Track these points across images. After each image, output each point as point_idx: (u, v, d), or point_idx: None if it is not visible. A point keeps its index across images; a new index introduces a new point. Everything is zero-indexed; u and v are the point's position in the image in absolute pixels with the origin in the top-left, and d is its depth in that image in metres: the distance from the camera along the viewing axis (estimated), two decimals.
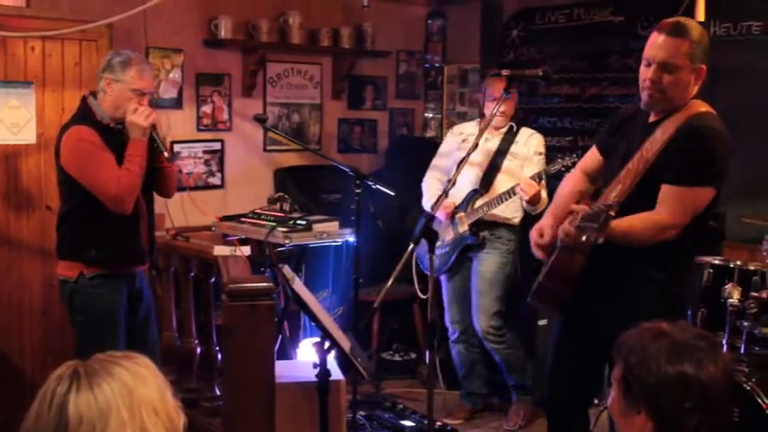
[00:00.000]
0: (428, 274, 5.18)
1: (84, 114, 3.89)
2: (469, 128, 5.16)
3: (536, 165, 4.90)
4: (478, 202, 4.93)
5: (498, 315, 4.96)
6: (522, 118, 5.30)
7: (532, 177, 4.74)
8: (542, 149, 4.97)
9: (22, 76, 5.05)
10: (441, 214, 5.01)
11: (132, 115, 3.79)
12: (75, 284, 3.88)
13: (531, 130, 5.04)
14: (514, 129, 4.99)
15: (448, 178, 3.87)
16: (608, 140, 3.48)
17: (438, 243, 5.11)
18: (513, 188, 4.76)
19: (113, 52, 4.00)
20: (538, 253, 3.44)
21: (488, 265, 4.96)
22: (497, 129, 4.99)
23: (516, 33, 6.54)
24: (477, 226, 4.95)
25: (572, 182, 3.61)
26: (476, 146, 3.77)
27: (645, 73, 3.18)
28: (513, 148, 4.95)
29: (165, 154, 3.88)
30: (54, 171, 5.09)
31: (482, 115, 5.16)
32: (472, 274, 5.03)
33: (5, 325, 5.08)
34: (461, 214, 4.99)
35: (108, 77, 3.85)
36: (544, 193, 4.77)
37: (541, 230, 3.42)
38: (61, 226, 3.95)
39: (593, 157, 3.57)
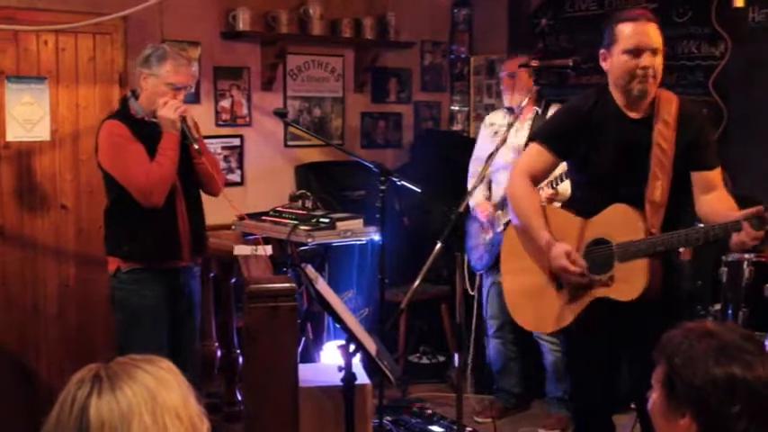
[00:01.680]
0: (477, 271, 5.22)
1: (121, 110, 4.02)
2: (498, 118, 5.15)
3: None
4: None
5: None
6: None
7: (552, 182, 4.64)
8: None
9: (35, 71, 5.09)
10: (481, 216, 5.01)
11: (161, 110, 3.88)
12: (116, 279, 3.99)
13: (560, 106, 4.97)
14: (539, 113, 4.93)
15: (478, 175, 3.84)
16: (564, 141, 3.49)
17: (479, 241, 5.11)
18: (551, 181, 4.72)
19: (151, 46, 4.06)
20: (579, 280, 3.38)
21: None
22: (520, 118, 4.95)
23: (545, 22, 6.51)
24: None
25: (532, 193, 3.57)
26: (504, 140, 3.77)
27: (636, 62, 3.30)
28: None
29: (195, 146, 3.92)
30: (69, 168, 5.17)
31: (509, 108, 5.11)
32: None
33: (20, 328, 5.12)
34: (499, 212, 4.97)
35: (144, 72, 3.94)
36: (565, 188, 4.71)
37: (571, 257, 3.37)
38: (106, 221, 4.06)
39: (542, 159, 3.53)
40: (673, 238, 3.20)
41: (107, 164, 3.90)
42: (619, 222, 3.33)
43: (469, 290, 5.30)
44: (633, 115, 3.39)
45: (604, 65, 3.41)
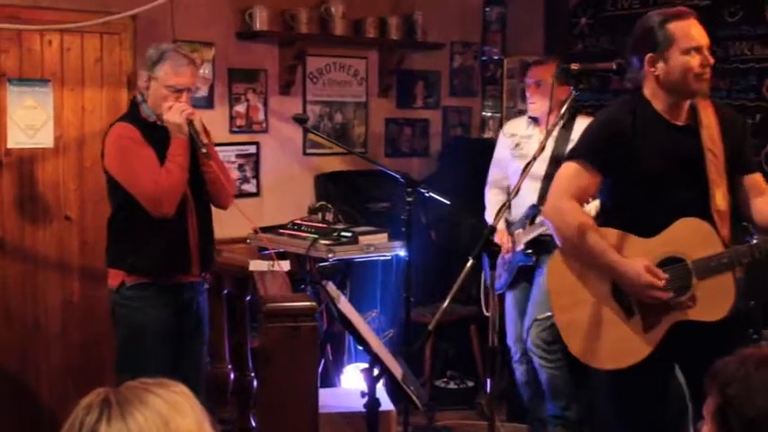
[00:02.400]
0: (495, 291, 5.20)
1: (130, 112, 4.04)
2: (520, 127, 5.12)
3: None
4: (538, 219, 4.88)
5: (553, 328, 4.91)
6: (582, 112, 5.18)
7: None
8: None
9: (39, 73, 5.12)
10: (506, 251, 4.99)
11: (167, 114, 3.89)
12: (118, 294, 3.98)
13: (588, 118, 4.93)
14: (562, 124, 4.87)
15: (513, 188, 3.83)
16: (607, 156, 3.43)
17: (498, 261, 5.10)
18: None
19: (152, 47, 4.06)
20: (661, 296, 3.34)
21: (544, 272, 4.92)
22: (543, 128, 4.94)
23: (585, 21, 6.49)
24: (535, 245, 4.90)
25: (583, 216, 3.49)
26: (542, 148, 3.75)
27: (699, 60, 3.33)
28: (569, 148, 4.88)
29: (203, 150, 3.90)
30: (73, 177, 5.19)
31: (534, 117, 5.09)
32: (533, 287, 5.00)
33: (20, 347, 5.13)
34: (519, 231, 4.96)
35: (145, 75, 3.97)
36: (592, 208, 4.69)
37: (652, 270, 3.33)
38: (108, 231, 4.06)
39: (584, 177, 3.45)
40: (753, 249, 3.18)
41: (114, 168, 3.90)
42: (691, 237, 3.29)
43: (484, 310, 5.28)
44: (677, 122, 3.39)
45: (652, 70, 3.39)
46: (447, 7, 6.90)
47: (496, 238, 4.99)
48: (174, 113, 3.86)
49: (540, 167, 4.85)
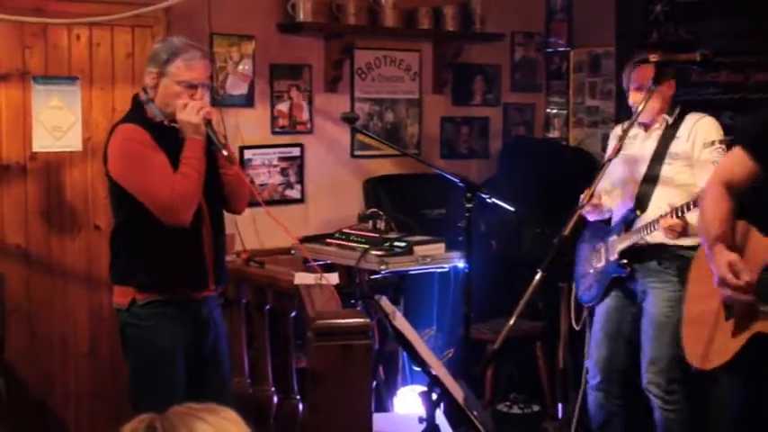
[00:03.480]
0: (585, 303, 5.16)
1: (135, 112, 3.95)
2: (633, 127, 5.03)
3: (707, 164, 4.72)
4: (635, 225, 4.82)
5: (670, 367, 4.79)
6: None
7: (677, 210, 4.56)
8: (713, 136, 4.73)
9: (66, 71, 5.17)
10: (589, 214, 4.92)
11: (182, 112, 3.81)
12: (128, 313, 3.91)
13: (699, 115, 4.82)
14: (670, 122, 4.83)
15: (594, 186, 3.79)
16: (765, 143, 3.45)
17: (589, 269, 5.05)
18: (676, 209, 4.64)
19: (158, 41, 4.05)
20: (736, 295, 3.35)
21: (657, 303, 4.79)
22: (649, 128, 4.88)
23: (661, 8, 6.43)
24: (631, 254, 4.83)
25: (720, 201, 3.59)
26: (617, 150, 3.73)
27: None
28: (674, 147, 4.81)
29: (224, 153, 3.87)
30: (103, 184, 5.22)
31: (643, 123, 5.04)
32: (643, 314, 4.89)
33: (46, 366, 5.19)
34: (613, 238, 4.90)
35: (153, 71, 3.88)
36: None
37: (735, 267, 3.33)
38: (112, 244, 3.99)
39: (742, 166, 3.51)
40: None
41: (121, 176, 3.83)
42: None
43: (575, 324, 5.24)
44: None
45: None
46: None
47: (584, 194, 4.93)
48: (190, 112, 3.80)
49: (640, 168, 4.82)
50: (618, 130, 5.08)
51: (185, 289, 3.94)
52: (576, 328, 5.23)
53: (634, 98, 4.81)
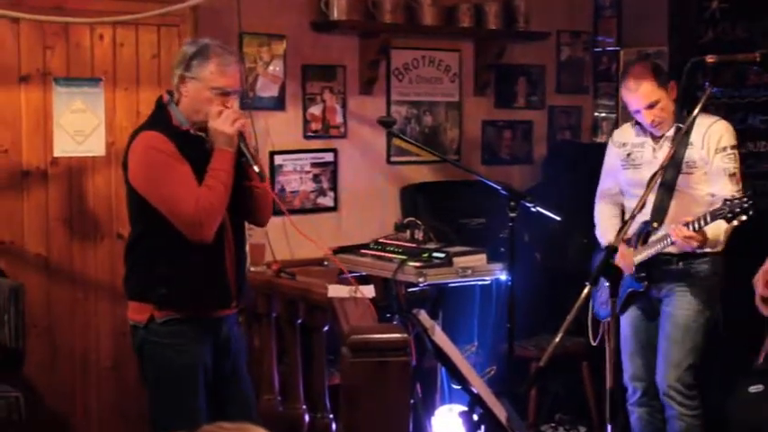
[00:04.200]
0: (601, 318, 5.16)
1: (159, 118, 3.94)
2: (629, 135, 5.03)
3: (719, 171, 4.73)
4: (653, 237, 4.83)
5: (691, 370, 4.85)
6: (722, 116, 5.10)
7: (694, 223, 4.55)
8: (725, 141, 4.76)
9: (89, 72, 5.22)
10: (625, 269, 4.93)
11: (215, 121, 3.80)
12: (146, 331, 3.91)
13: (709, 119, 4.82)
14: (683, 129, 4.79)
15: (638, 201, 3.78)
16: None
17: (604, 284, 5.03)
18: (693, 221, 4.63)
19: (188, 42, 4.06)
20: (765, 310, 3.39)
21: (683, 306, 4.85)
22: (657, 138, 4.89)
23: (717, 5, 6.42)
24: (646, 268, 4.84)
25: None
26: (671, 157, 3.74)
27: None
28: (689, 155, 4.82)
29: (256, 169, 3.87)
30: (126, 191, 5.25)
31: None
32: (662, 318, 4.94)
33: (68, 382, 5.22)
34: (631, 249, 4.90)
35: (182, 74, 3.87)
36: (715, 232, 4.61)
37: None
38: (129, 257, 4.01)
39: None
40: None
41: (143, 186, 3.83)
42: None
43: (591, 340, 5.24)
44: None
45: None
46: None
47: (617, 260, 4.93)
48: (225, 121, 3.79)
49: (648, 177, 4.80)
50: (617, 137, 5.10)
51: (207, 306, 3.95)
52: (594, 344, 5.22)
53: (650, 117, 4.78)
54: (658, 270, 4.85)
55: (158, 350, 3.91)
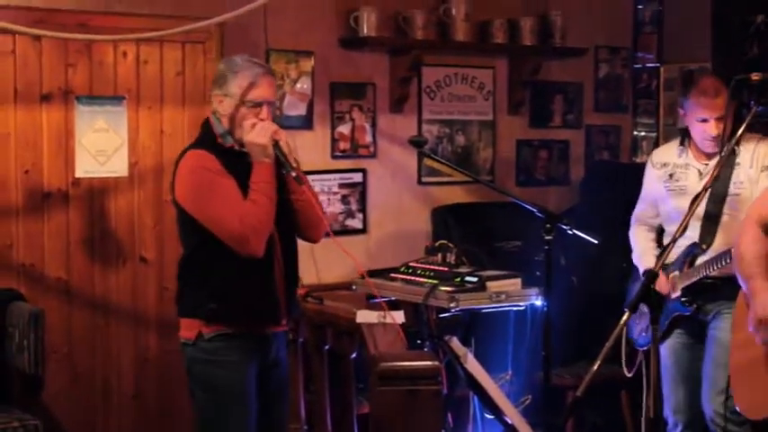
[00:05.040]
0: (640, 347, 5.14)
1: (204, 137, 4.03)
2: (672, 155, 5.01)
3: (764, 191, 4.71)
4: (699, 260, 4.82)
5: None
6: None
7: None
8: None
9: (112, 90, 5.27)
10: (663, 291, 4.93)
11: (249, 134, 3.88)
12: (194, 348, 3.97)
13: (756, 136, 4.80)
14: (732, 148, 4.77)
15: (679, 225, 3.78)
16: None
17: (644, 310, 5.02)
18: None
19: (222, 62, 4.12)
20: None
21: (728, 328, 4.83)
22: (707, 156, 4.88)
23: (762, 19, 6.41)
24: (693, 292, 4.83)
25: (756, 237, 3.86)
26: (716, 177, 3.74)
27: None
28: (737, 175, 4.81)
29: (293, 174, 3.92)
30: (150, 212, 5.31)
31: (683, 136, 5.02)
32: (708, 342, 4.90)
33: (88, 410, 5.25)
34: (675, 274, 4.89)
35: (218, 93, 3.98)
36: None
37: None
38: (181, 274, 4.08)
39: None
40: None
41: (190, 204, 3.92)
42: None
43: (625, 371, 5.22)
44: None
45: None
46: (590, 6, 6.90)
47: (657, 286, 4.93)
48: (258, 133, 3.87)
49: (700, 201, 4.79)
50: (657, 157, 5.07)
51: (255, 322, 4.00)
52: (629, 375, 5.19)
53: (717, 130, 4.76)
54: (704, 293, 4.81)
55: (208, 367, 3.96)
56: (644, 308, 4.99)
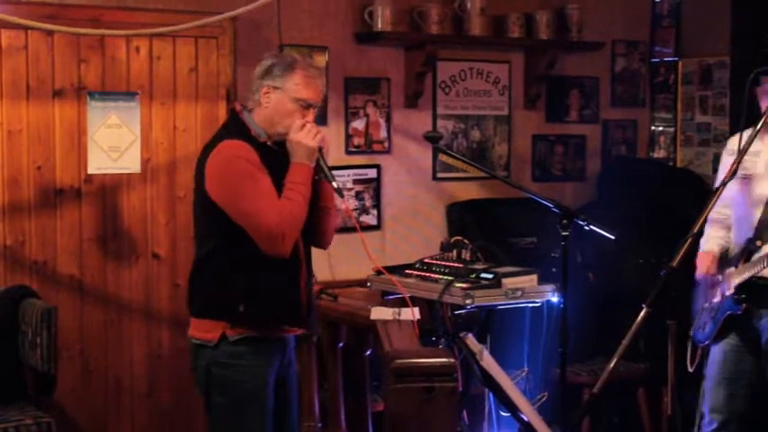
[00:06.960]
0: (699, 343, 5.12)
1: (236, 128, 3.96)
2: (755, 141, 4.93)
3: None
4: (755, 257, 4.75)
5: None
6: None
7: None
8: None
9: (124, 86, 5.29)
10: (698, 273, 4.88)
11: (297, 133, 3.85)
12: (215, 350, 3.89)
13: None
14: None
15: (707, 212, 3.72)
16: None
17: (704, 305, 5.00)
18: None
19: (272, 55, 4.10)
20: None
21: None
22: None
23: None
24: (747, 289, 4.76)
25: None
26: (733, 171, 3.69)
27: None
28: None
29: (334, 185, 3.91)
30: (163, 209, 5.31)
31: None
32: (762, 341, 4.84)
33: (100, 408, 5.27)
34: (731, 270, 4.83)
35: (267, 84, 3.92)
36: None
37: None
38: (198, 274, 3.99)
39: None
40: None
41: (224, 195, 3.83)
42: None
43: (689, 366, 5.19)
44: None
45: None
46: None
47: (698, 262, 4.83)
48: (308, 135, 3.85)
49: (761, 191, 4.72)
50: (732, 144, 4.94)
51: (282, 326, 3.97)
52: (690, 370, 5.17)
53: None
54: (758, 295, 4.71)
55: (229, 372, 3.89)
56: (705, 304, 4.98)
